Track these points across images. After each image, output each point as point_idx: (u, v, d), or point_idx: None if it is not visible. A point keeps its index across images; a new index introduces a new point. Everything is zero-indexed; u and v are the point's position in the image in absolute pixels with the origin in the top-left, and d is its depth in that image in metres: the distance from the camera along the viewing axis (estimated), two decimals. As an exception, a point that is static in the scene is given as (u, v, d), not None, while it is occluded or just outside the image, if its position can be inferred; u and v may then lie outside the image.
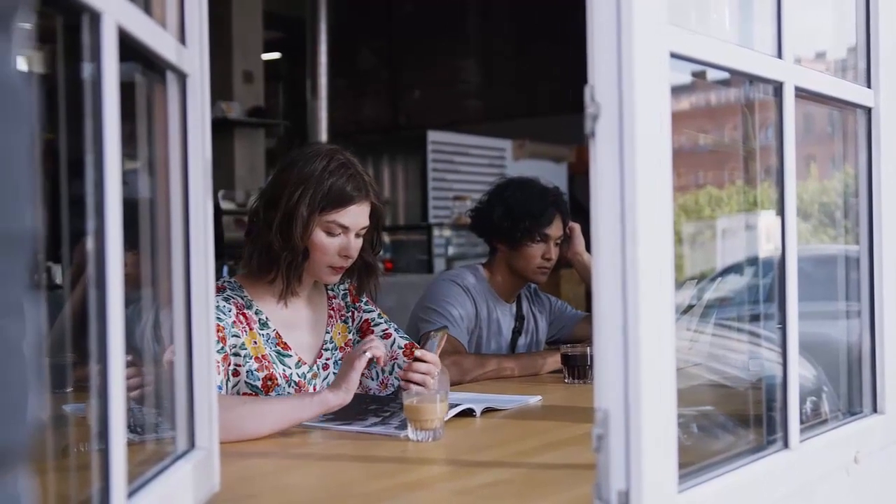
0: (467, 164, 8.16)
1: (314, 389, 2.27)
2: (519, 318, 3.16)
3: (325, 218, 2.19)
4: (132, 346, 1.16)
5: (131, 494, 1.08)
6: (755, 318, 1.93)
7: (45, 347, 0.63)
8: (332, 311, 2.40)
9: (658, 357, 1.19)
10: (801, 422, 1.55)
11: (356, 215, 2.22)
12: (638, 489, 1.16)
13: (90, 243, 0.99)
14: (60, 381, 1.71)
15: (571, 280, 6.25)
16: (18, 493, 0.57)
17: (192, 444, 1.37)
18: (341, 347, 2.38)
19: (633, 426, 1.16)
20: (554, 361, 2.85)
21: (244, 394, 2.18)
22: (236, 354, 2.16)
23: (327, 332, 2.37)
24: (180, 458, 1.33)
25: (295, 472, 1.73)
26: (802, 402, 1.60)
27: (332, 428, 2.01)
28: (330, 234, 2.21)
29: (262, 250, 2.22)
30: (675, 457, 1.22)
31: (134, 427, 1.33)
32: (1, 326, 0.53)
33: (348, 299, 2.43)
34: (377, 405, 2.20)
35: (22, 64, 0.61)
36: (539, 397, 2.40)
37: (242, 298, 2.25)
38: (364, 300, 2.44)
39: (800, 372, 1.56)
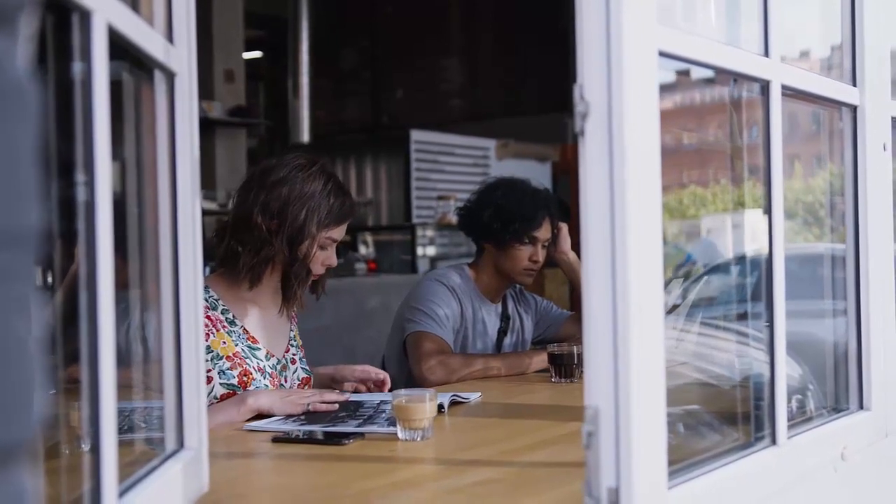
0: (451, 163, 8.15)
1: (285, 381, 2.35)
2: (504, 317, 3.16)
3: (324, 234, 2.28)
4: (118, 347, 1.15)
5: (122, 494, 1.08)
6: (741, 317, 1.94)
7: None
8: (293, 312, 2.47)
9: (648, 354, 1.20)
10: (788, 419, 1.55)
11: (344, 229, 2.34)
12: (628, 486, 1.16)
13: (80, 244, 0.99)
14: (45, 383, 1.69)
15: (555, 279, 6.26)
16: (24, 488, 0.57)
17: (181, 444, 1.37)
18: (301, 346, 2.47)
19: (623, 423, 1.16)
20: (540, 360, 2.86)
21: (221, 396, 2.18)
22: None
23: (291, 330, 2.45)
24: (169, 458, 1.32)
25: (283, 473, 1.72)
26: (788, 400, 1.61)
27: (323, 430, 1.98)
28: (323, 248, 2.30)
29: (265, 261, 2.25)
30: (665, 453, 1.23)
31: (120, 427, 1.32)
32: (8, 323, 0.54)
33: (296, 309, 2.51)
34: (358, 407, 2.20)
35: (26, 63, 0.61)
36: (479, 394, 2.40)
37: (207, 300, 2.25)
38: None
39: (786, 370, 1.57)
